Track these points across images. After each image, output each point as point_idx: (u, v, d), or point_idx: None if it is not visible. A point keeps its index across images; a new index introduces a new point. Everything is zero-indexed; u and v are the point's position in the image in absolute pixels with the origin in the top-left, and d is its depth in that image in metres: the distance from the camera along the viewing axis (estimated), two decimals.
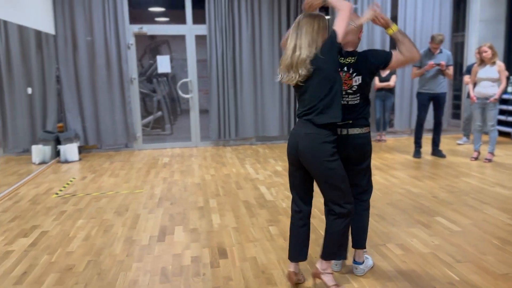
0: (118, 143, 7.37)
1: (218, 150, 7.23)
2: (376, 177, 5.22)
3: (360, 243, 2.78)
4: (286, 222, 3.80)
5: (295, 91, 2.53)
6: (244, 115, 7.47)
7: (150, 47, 12.21)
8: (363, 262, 2.82)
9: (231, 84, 7.35)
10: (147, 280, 2.80)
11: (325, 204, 2.56)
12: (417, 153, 6.32)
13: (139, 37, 7.35)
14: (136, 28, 7.20)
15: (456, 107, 9.09)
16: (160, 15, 8.39)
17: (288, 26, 7.44)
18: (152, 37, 11.76)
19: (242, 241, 3.40)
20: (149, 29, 7.25)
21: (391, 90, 7.46)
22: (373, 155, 6.53)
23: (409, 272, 2.83)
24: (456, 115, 9.17)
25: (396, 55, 2.53)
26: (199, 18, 7.33)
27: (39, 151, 6.47)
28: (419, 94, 6.19)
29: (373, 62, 2.55)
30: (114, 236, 3.56)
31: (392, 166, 5.81)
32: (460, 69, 8.83)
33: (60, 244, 3.40)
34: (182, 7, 7.32)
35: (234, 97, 7.42)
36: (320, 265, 2.57)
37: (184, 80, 7.54)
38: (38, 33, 6.54)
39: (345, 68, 2.57)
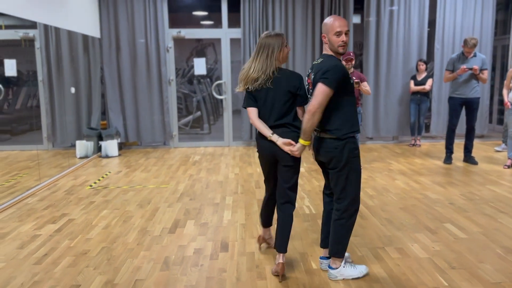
0: (156, 141, 7.77)
1: (248, 150, 7.43)
2: (398, 182, 5.19)
3: (329, 249, 2.84)
4: (294, 221, 3.91)
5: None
6: None
7: (197, 49, 12.66)
8: (335, 268, 2.83)
9: None
10: (149, 267, 3.03)
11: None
12: (448, 159, 6.17)
13: (185, 40, 7.71)
14: (175, 32, 7.56)
15: (501, 112, 8.70)
16: (204, 19, 8.71)
17: (322, 30, 7.48)
18: (199, 40, 12.20)
19: (246, 237, 3.57)
20: (186, 33, 7.59)
21: (426, 94, 7.30)
22: (402, 160, 6.45)
23: (399, 276, 2.87)
24: (501, 121, 8.78)
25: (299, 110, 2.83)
26: (235, 21, 7.57)
27: (82, 146, 7.00)
28: (450, 99, 6.04)
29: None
30: (131, 226, 3.85)
31: (419, 171, 5.72)
32: (505, 72, 8.44)
33: (82, 231, 3.74)
34: (219, 10, 7.59)
35: None
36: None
37: (219, 81, 7.81)
38: (85, 37, 7.07)
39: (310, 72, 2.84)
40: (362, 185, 5.10)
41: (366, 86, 5.71)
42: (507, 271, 2.89)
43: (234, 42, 7.67)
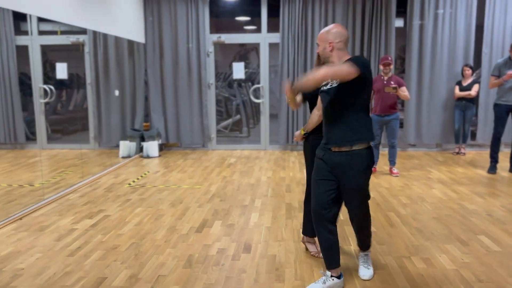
0: (195, 143, 7.97)
1: (284, 154, 7.45)
2: (435, 191, 5.02)
3: None
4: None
5: None
6: None
7: (240, 53, 12.86)
8: None
9: None
10: (173, 264, 3.13)
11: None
12: (492, 169, 5.89)
13: (229, 45, 7.87)
14: (215, 37, 7.73)
15: None
16: (245, 24, 8.85)
17: (363, 33, 7.39)
18: (242, 44, 12.40)
19: (270, 239, 3.59)
20: (226, 38, 7.74)
21: (472, 100, 7.01)
22: (443, 168, 6.23)
23: (421, 286, 2.79)
24: None
25: None
26: (274, 26, 7.63)
27: (125, 146, 7.31)
28: (496, 106, 5.78)
29: None
30: (161, 224, 3.98)
31: (459, 180, 5.50)
32: None
33: (115, 227, 3.91)
34: (259, 15, 7.69)
35: (306, 105, 7.57)
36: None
37: (256, 85, 7.89)
38: (131, 42, 7.39)
39: None
40: (396, 193, 4.98)
41: (404, 91, 5.58)
42: None
43: (273, 46, 7.73)
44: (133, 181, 5.64)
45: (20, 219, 4.15)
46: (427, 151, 7.64)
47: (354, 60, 2.47)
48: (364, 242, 2.92)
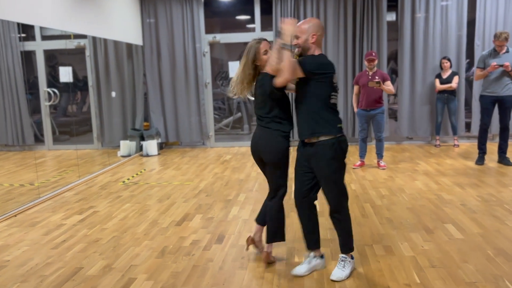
0: (193, 141, 8.19)
1: None
2: (417, 183, 5.12)
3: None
4: (295, 217, 4.04)
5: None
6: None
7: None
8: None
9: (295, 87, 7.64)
10: (147, 255, 3.34)
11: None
12: (480, 160, 5.94)
13: (234, 44, 8.06)
14: (210, 37, 7.92)
15: None
16: (239, 23, 9.01)
17: (354, 30, 7.48)
18: (246, 43, 12.56)
19: (244, 231, 3.77)
20: (221, 37, 7.92)
21: (453, 92, 7.05)
22: (432, 160, 6.30)
23: (375, 272, 2.93)
24: None
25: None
26: (268, 24, 7.78)
27: (126, 146, 7.57)
28: (482, 97, 5.82)
29: None
30: (145, 218, 4.20)
31: (445, 172, 5.57)
32: None
33: (101, 222, 4.15)
34: (253, 14, 7.85)
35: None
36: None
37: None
38: (129, 45, 7.65)
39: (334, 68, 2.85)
40: (378, 185, 5.09)
41: (388, 85, 5.68)
42: (488, 272, 2.84)
43: None
44: (128, 179, 5.88)
45: (15, 216, 4.42)
46: (421, 144, 7.69)
47: (302, 62, 2.66)
48: (345, 243, 2.93)
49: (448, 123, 7.44)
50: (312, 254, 2.99)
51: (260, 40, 3.00)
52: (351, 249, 2.93)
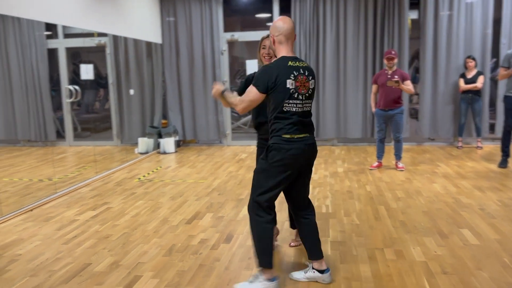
0: (210, 139, 8.20)
1: None
2: (435, 185, 4.97)
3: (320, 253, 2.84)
4: None
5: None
6: (325, 116, 7.62)
7: None
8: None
9: None
10: (154, 253, 3.34)
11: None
12: (503, 163, 5.73)
13: (255, 42, 8.04)
14: (229, 35, 7.91)
15: None
16: (258, 21, 8.97)
17: (375, 28, 7.34)
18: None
19: None
20: (239, 36, 7.90)
21: (478, 93, 6.82)
22: (453, 162, 6.12)
23: (383, 276, 2.85)
24: None
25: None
26: None
27: (144, 143, 7.65)
28: (506, 98, 5.61)
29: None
30: (156, 216, 4.22)
31: (464, 175, 5.40)
32: None
33: (113, 218, 4.18)
34: (271, 12, 7.80)
35: (316, 99, 7.62)
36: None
37: None
38: (149, 43, 7.71)
39: (301, 71, 2.57)
40: (394, 187, 4.98)
41: (408, 85, 5.54)
42: (503, 280, 2.73)
43: None
44: (143, 176, 5.93)
45: (31, 210, 4.51)
46: (443, 145, 7.49)
47: (254, 83, 2.56)
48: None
49: (471, 124, 7.22)
50: (310, 264, 2.84)
51: (266, 36, 3.02)
52: (259, 264, 2.66)
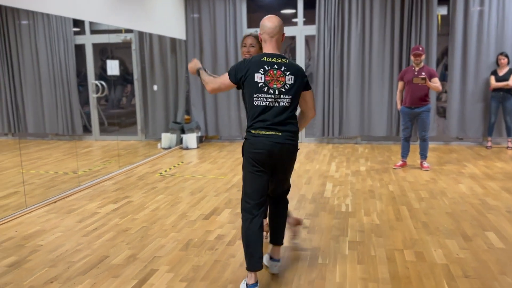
0: (232, 135, 8.20)
1: (318, 147, 7.45)
2: (461, 186, 4.82)
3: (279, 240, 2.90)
4: (324, 217, 3.93)
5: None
6: (349, 114, 7.50)
7: (290, 46, 12.91)
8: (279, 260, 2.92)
9: (337, 82, 7.46)
10: (171, 247, 3.36)
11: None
12: None
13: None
14: (252, 31, 7.86)
15: None
16: (294, 17, 8.93)
17: (402, 24, 7.16)
18: (292, 37, 12.47)
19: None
20: None
21: (510, 91, 6.56)
22: (481, 163, 5.92)
23: (402, 278, 2.77)
24: None
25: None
26: (310, 18, 7.63)
27: (167, 138, 7.71)
28: None
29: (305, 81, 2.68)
30: (175, 210, 4.24)
31: (493, 176, 5.21)
32: None
33: (133, 212, 4.23)
34: (295, 8, 7.72)
35: (340, 96, 7.51)
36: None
37: None
38: (173, 40, 7.77)
39: (275, 66, 2.56)
40: (418, 187, 4.85)
41: (435, 83, 5.38)
42: None
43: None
44: (165, 171, 5.98)
45: (55, 202, 4.61)
46: (471, 145, 7.26)
47: (228, 71, 2.67)
48: None
49: (502, 123, 6.97)
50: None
51: (248, 34, 3.23)
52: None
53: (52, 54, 5.64)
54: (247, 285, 2.63)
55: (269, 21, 2.61)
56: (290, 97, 2.58)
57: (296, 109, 2.65)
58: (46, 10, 4.72)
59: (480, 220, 3.75)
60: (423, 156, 5.68)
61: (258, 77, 2.55)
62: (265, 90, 2.55)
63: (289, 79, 2.58)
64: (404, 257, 3.06)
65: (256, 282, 2.62)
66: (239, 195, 4.69)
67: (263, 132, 2.56)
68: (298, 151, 7.05)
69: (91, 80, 6.54)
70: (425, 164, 5.67)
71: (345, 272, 2.87)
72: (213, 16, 7.81)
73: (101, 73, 6.75)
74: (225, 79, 2.65)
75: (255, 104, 2.57)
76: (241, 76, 2.59)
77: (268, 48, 2.62)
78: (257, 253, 2.58)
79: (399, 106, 5.75)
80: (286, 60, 2.60)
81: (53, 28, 5.50)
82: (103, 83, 6.49)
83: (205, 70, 2.84)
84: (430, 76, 5.41)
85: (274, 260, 2.88)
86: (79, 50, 6.33)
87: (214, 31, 7.86)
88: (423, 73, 5.42)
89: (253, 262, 2.59)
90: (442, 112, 8.16)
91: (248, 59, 2.62)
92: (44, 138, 6.04)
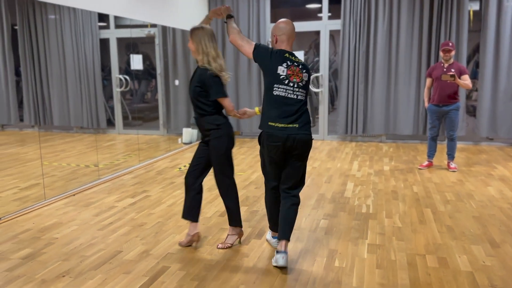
0: (253, 131, 8.11)
1: (341, 145, 7.27)
2: (490, 189, 4.59)
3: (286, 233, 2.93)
4: (343, 218, 3.80)
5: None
6: (374, 111, 7.29)
7: (315, 42, 12.71)
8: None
9: (362, 79, 7.26)
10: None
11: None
12: None
13: (305, 34, 7.89)
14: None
15: None
16: (319, 11, 8.78)
17: (431, 19, 6.90)
18: (317, 32, 12.27)
19: None
20: None
21: None
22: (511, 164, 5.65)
23: (423, 285, 2.62)
24: None
25: None
26: (335, 13, 7.45)
27: (188, 133, 7.70)
28: None
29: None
30: None
31: None
32: None
33: (150, 207, 4.20)
34: (320, 2, 7.56)
35: (364, 93, 7.31)
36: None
37: (316, 74, 7.77)
38: None
39: (295, 63, 2.83)
40: (444, 189, 4.65)
41: (465, 80, 5.15)
42: None
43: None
44: (184, 166, 5.95)
45: (74, 195, 4.63)
46: (502, 146, 6.95)
47: (256, 45, 2.90)
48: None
49: None
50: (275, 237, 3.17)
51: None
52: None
53: (78, 48, 5.67)
54: (272, 237, 3.19)
55: (287, 24, 2.91)
56: (304, 91, 2.87)
57: (307, 103, 2.91)
58: (72, 4, 4.74)
59: (509, 225, 3.54)
60: (451, 156, 5.46)
61: (281, 70, 2.81)
62: (286, 82, 2.81)
63: (305, 76, 2.88)
64: (426, 263, 2.91)
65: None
66: (256, 193, 4.60)
67: (282, 125, 2.78)
68: (314, 146, 6.92)
69: (115, 74, 6.58)
70: (452, 165, 5.44)
71: (362, 277, 2.75)
72: (236, 10, 7.73)
73: (126, 68, 6.77)
74: (249, 46, 2.89)
75: (275, 94, 2.81)
76: (264, 57, 2.83)
77: (286, 47, 2.90)
78: (272, 219, 3.12)
79: (426, 104, 5.54)
80: (300, 60, 2.90)
81: (79, 22, 5.53)
82: (127, 77, 6.51)
83: (232, 21, 3.08)
84: (460, 73, 5.18)
85: (279, 252, 2.85)
86: (104, 44, 6.37)
87: (237, 26, 7.76)
88: (452, 70, 5.19)
89: (270, 224, 3.17)
90: (472, 111, 7.85)
91: (274, 50, 2.86)
92: (69, 131, 6.10)
